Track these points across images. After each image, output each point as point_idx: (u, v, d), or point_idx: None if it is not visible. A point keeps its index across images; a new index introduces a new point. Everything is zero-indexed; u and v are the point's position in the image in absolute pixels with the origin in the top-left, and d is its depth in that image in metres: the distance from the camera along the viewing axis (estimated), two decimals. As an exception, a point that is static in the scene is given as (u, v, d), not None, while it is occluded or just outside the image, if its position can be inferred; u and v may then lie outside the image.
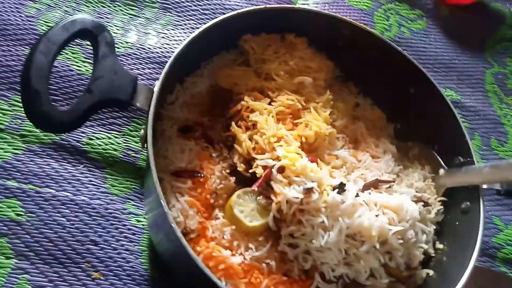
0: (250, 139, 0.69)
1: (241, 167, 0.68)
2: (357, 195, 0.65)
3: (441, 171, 0.75)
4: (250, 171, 0.67)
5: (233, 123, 0.70)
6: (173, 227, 0.54)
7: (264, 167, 0.65)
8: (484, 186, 0.69)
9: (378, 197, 0.67)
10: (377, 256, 0.65)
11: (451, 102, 0.97)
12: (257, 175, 0.66)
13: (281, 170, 0.65)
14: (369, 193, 0.68)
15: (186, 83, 0.75)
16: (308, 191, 0.63)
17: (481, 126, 0.99)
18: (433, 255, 0.71)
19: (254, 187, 0.65)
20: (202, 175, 0.67)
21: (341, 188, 0.65)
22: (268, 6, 0.77)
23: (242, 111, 0.71)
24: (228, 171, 0.69)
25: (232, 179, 0.69)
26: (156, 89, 0.62)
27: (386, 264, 0.66)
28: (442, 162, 0.76)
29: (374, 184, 0.70)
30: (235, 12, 0.73)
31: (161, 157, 0.68)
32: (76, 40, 0.87)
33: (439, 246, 0.71)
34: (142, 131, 0.61)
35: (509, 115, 1.01)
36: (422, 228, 0.69)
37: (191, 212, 0.64)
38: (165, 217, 0.55)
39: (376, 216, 0.64)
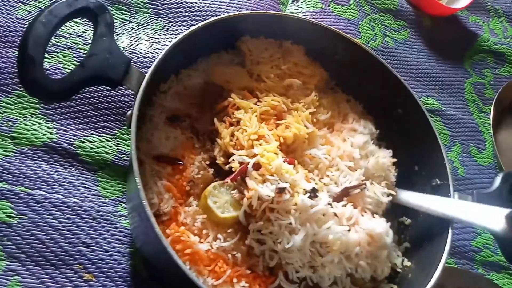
0: (232, 134, 0.70)
1: (220, 160, 0.69)
2: (330, 205, 0.66)
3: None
4: (227, 165, 0.68)
5: (215, 119, 0.72)
6: (143, 204, 0.55)
7: (241, 163, 0.67)
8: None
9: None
10: (342, 266, 0.66)
11: (433, 110, 1.02)
12: (233, 169, 0.67)
13: (257, 167, 0.65)
14: (344, 205, 0.68)
15: (181, 75, 0.77)
16: (281, 191, 0.64)
17: (461, 134, 1.03)
18: (400, 271, 0.71)
19: (227, 180, 0.66)
20: (182, 163, 0.68)
21: (313, 193, 0.66)
22: (269, 12, 0.78)
23: (228, 107, 0.73)
24: (208, 162, 0.70)
25: (211, 170, 0.70)
26: (148, 73, 0.64)
27: (351, 274, 0.67)
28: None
29: (344, 193, 0.69)
30: (237, 13, 0.75)
31: (145, 140, 0.69)
32: (68, 44, 0.88)
33: (407, 263, 0.71)
34: (130, 111, 0.62)
35: (487, 123, 1.05)
36: (393, 249, 0.71)
37: (167, 196, 0.66)
38: (138, 194, 0.56)
39: (348, 231, 0.65)
